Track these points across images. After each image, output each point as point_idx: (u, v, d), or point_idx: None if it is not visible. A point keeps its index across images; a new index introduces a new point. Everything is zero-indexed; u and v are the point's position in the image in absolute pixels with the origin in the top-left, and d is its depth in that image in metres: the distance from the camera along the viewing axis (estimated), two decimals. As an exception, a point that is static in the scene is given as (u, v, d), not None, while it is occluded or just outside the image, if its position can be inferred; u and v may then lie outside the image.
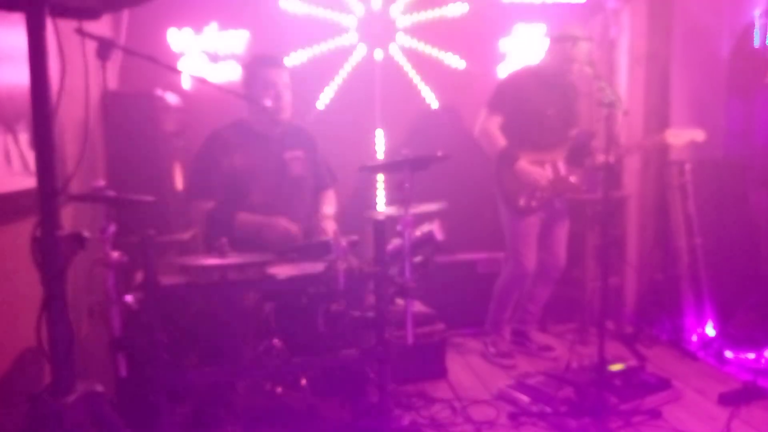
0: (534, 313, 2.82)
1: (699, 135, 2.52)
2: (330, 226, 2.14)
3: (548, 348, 2.78)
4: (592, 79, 2.11)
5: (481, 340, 2.80)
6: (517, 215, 2.58)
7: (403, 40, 3.01)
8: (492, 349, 2.68)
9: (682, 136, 2.52)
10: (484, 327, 2.79)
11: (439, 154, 1.86)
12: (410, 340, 1.75)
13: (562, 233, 2.69)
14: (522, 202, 2.55)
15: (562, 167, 2.58)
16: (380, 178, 3.06)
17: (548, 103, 2.56)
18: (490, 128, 2.53)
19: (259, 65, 2.10)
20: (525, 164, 2.51)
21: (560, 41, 2.48)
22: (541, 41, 3.07)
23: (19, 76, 1.26)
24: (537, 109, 2.55)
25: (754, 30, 3.00)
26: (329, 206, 2.27)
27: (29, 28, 1.08)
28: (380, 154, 3.05)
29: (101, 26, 2.31)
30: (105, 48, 1.42)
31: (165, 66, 1.65)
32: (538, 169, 2.53)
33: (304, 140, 2.26)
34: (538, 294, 2.78)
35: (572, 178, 2.59)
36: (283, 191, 2.11)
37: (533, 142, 2.55)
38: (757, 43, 2.95)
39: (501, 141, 2.52)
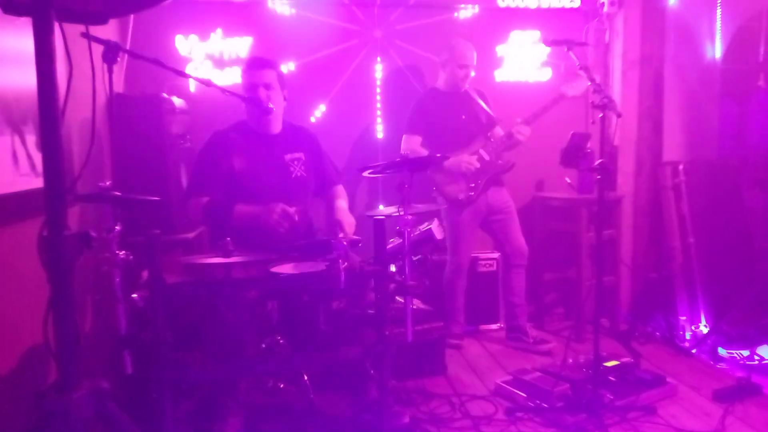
0: (520, 305, 2.87)
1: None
2: (347, 219, 2.12)
3: (543, 341, 2.83)
4: (587, 82, 2.15)
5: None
6: (458, 209, 2.75)
7: (403, 44, 3.05)
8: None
9: (577, 87, 2.65)
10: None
11: (438, 155, 1.90)
12: (410, 337, 1.76)
13: (514, 224, 2.86)
14: (461, 195, 2.73)
15: (485, 153, 2.76)
16: (380, 178, 3.09)
17: (452, 111, 2.79)
18: (413, 146, 2.75)
19: (244, 68, 2.16)
20: (452, 159, 2.68)
21: (444, 64, 2.78)
22: (536, 47, 3.13)
23: (27, 78, 1.27)
24: (444, 118, 2.77)
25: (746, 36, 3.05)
26: (342, 200, 2.25)
27: (36, 32, 1.08)
28: (380, 155, 3.09)
29: (108, 31, 2.35)
30: (111, 51, 1.45)
31: (169, 69, 1.67)
32: (465, 156, 2.72)
33: (306, 141, 2.26)
34: (515, 284, 2.86)
35: (500, 161, 2.78)
36: (283, 192, 2.11)
37: (452, 143, 2.73)
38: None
39: (424, 152, 2.74)
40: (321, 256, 1.75)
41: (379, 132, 3.09)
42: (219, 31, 2.83)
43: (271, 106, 2.04)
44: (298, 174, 2.19)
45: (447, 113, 2.78)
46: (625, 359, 2.41)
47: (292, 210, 1.95)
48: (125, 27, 2.67)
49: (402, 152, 2.75)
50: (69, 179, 1.17)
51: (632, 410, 2.09)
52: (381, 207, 2.97)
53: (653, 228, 3.22)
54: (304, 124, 2.53)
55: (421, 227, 2.30)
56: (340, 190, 2.31)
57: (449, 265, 2.85)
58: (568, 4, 3.15)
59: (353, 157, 3.05)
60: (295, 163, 2.19)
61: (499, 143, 2.77)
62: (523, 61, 3.15)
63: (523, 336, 2.83)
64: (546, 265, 3.18)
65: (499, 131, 2.82)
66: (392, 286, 1.74)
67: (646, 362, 2.58)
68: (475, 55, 2.78)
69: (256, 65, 2.13)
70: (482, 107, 2.83)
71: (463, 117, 2.79)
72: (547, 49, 3.03)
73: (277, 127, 2.20)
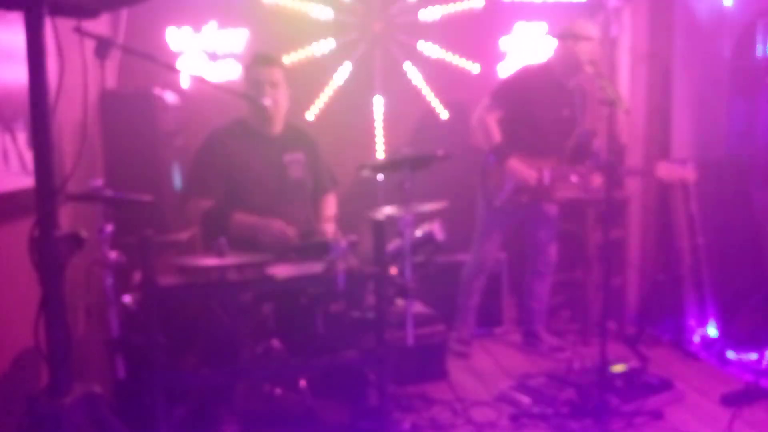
0: (539, 310, 2.81)
1: (691, 174, 2.36)
2: (330, 229, 2.12)
3: (560, 349, 2.78)
4: (594, 77, 2.10)
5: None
6: (491, 210, 2.62)
7: (403, 38, 2.99)
8: (454, 334, 2.69)
9: (674, 172, 2.38)
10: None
11: (440, 153, 1.86)
12: (410, 341, 1.74)
13: (547, 236, 2.72)
14: (498, 201, 2.58)
15: (547, 176, 2.51)
16: (380, 177, 3.05)
17: (553, 107, 2.51)
18: (489, 121, 2.50)
19: (249, 63, 2.13)
20: (516, 162, 2.49)
21: (564, 39, 2.45)
22: (543, 40, 3.06)
23: (18, 74, 1.25)
24: (542, 112, 2.50)
25: (756, 32, 2.99)
26: (330, 210, 2.26)
27: (28, 26, 1.08)
28: (380, 153, 3.04)
29: (100, 25, 2.31)
30: (103, 47, 1.41)
31: (163, 65, 1.64)
32: (528, 169, 2.50)
33: (305, 143, 2.23)
34: (537, 290, 2.79)
35: (557, 190, 2.56)
36: (281, 194, 2.09)
37: (526, 144, 2.52)
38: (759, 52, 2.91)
39: (497, 136, 2.51)
40: (319, 257, 1.72)
41: (378, 129, 3.04)
42: (213, 23, 2.77)
43: (268, 104, 2.00)
44: (297, 175, 2.16)
45: (547, 99, 2.45)
46: (632, 363, 2.38)
47: (290, 230, 1.94)
48: (117, 20, 2.62)
49: (474, 119, 2.53)
50: (60, 178, 1.16)
51: (639, 415, 2.07)
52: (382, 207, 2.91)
53: (661, 228, 3.17)
54: (301, 121, 2.49)
55: (422, 227, 2.25)
56: (331, 199, 2.29)
57: (470, 262, 2.73)
58: (574, -2, 3.09)
59: (352, 155, 2.99)
60: (294, 164, 2.16)
61: (569, 177, 2.47)
62: (529, 55, 3.09)
63: (539, 342, 2.78)
64: (551, 266, 3.13)
65: (589, 162, 2.45)
66: (392, 288, 1.70)
67: (653, 366, 2.53)
68: (597, 31, 2.46)
69: (263, 62, 2.09)
70: (594, 112, 2.51)
71: (565, 113, 2.49)
72: (554, 43, 2.96)
73: (277, 127, 2.16)
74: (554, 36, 2.52)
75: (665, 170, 2.38)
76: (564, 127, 2.55)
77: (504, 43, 3.09)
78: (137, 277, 1.58)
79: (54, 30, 1.16)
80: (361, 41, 2.96)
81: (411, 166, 1.75)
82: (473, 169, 2.92)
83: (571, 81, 2.55)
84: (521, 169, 2.49)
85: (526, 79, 2.51)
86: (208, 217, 2.01)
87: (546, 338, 2.80)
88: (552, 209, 2.72)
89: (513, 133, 2.51)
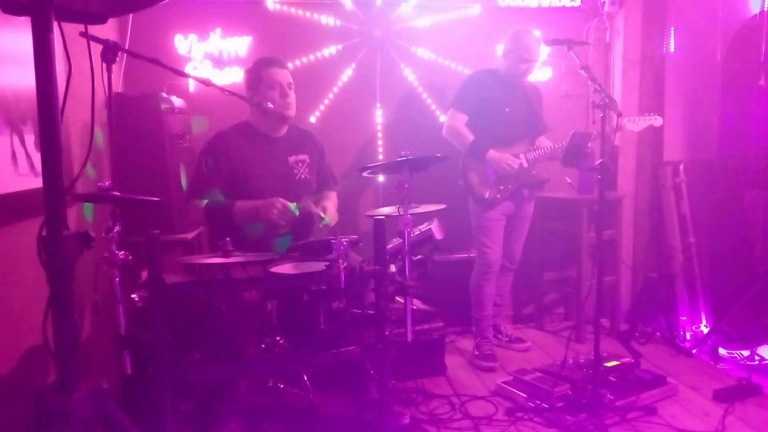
0: (501, 305, 2.88)
1: (657, 121, 2.55)
2: (332, 210, 2.12)
3: (519, 340, 2.85)
4: (587, 81, 2.15)
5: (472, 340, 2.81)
6: (483, 208, 2.67)
7: (403, 44, 3.04)
8: (476, 352, 2.69)
9: (640, 123, 2.56)
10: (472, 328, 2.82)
11: (438, 155, 1.90)
12: (410, 337, 1.76)
13: (521, 233, 2.80)
14: (488, 194, 2.65)
15: (524, 160, 2.67)
16: (380, 178, 3.09)
17: (506, 101, 2.68)
18: (457, 126, 2.64)
19: (262, 66, 2.12)
20: (495, 153, 2.60)
21: (506, 54, 2.66)
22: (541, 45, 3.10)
23: (26, 78, 1.27)
24: (496, 106, 2.66)
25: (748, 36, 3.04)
26: (329, 200, 2.26)
27: (35, 31, 1.08)
28: (381, 155, 3.08)
29: (107, 31, 2.34)
30: (110, 51, 1.44)
31: (168, 68, 1.67)
32: (509, 156, 2.62)
33: (311, 144, 2.25)
34: (503, 285, 2.85)
35: (535, 171, 2.69)
36: (287, 195, 2.08)
37: (496, 136, 2.65)
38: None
39: (470, 135, 2.63)
40: (321, 256, 1.75)
41: (379, 132, 3.09)
42: (218, 30, 2.82)
43: (289, 112, 2.06)
44: (302, 176, 2.18)
45: (496, 100, 2.65)
46: (625, 359, 2.41)
47: (292, 205, 1.95)
48: (124, 26, 2.66)
49: (444, 130, 2.69)
50: (68, 179, 1.17)
51: (632, 410, 2.09)
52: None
53: (654, 228, 3.21)
54: (305, 124, 2.52)
55: (420, 227, 2.30)
56: (331, 194, 2.31)
57: (477, 267, 2.70)
58: (568, 4, 3.13)
59: (353, 157, 3.04)
60: (300, 164, 2.18)
61: (543, 154, 2.66)
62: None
63: (498, 334, 2.84)
64: (546, 265, 3.17)
65: (545, 141, 2.70)
66: (392, 286, 1.73)
67: (646, 362, 2.57)
68: (540, 49, 2.69)
69: (278, 63, 2.12)
70: (534, 108, 2.71)
71: (507, 110, 2.65)
72: (548, 49, 3.02)
73: (282, 129, 2.19)
74: (503, 53, 2.69)
75: (633, 124, 2.55)
76: (514, 124, 2.68)
77: (501, 48, 3.13)
78: (144, 275, 1.60)
79: (61, 35, 1.16)
80: (362, 47, 3.00)
81: (410, 168, 1.78)
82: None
83: (517, 80, 2.69)
84: (501, 157, 2.61)
85: (476, 81, 2.70)
86: (210, 212, 2.01)
87: (506, 330, 2.87)
88: (529, 208, 2.80)
89: (481, 130, 2.63)
